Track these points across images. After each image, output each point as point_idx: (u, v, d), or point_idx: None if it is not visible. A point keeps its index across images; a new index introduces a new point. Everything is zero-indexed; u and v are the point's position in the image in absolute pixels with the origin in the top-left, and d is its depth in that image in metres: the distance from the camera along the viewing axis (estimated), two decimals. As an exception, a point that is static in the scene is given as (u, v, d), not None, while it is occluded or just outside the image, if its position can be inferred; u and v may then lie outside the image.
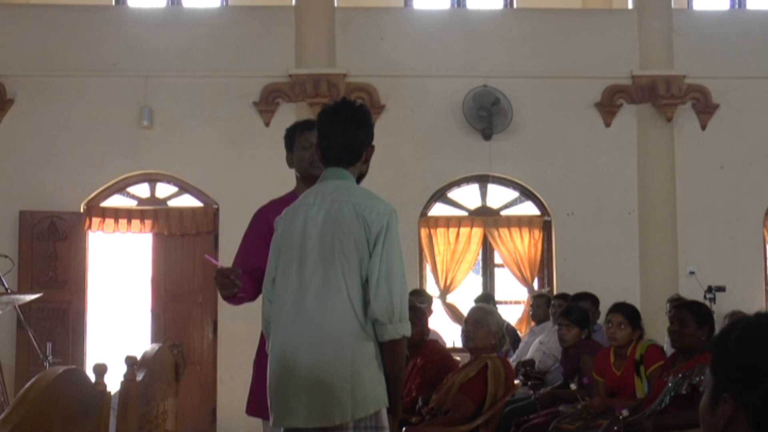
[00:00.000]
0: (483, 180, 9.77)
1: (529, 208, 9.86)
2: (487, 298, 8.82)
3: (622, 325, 5.38)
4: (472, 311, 5.44)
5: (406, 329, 3.00)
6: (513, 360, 7.66)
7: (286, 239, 3.14)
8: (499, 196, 9.91)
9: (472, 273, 9.95)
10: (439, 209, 9.81)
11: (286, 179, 9.59)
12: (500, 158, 9.48)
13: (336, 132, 3.17)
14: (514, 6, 10.82)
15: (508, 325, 8.94)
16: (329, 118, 3.21)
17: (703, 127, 9.69)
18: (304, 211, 3.12)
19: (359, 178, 3.23)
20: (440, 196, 9.77)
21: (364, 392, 2.96)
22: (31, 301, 7.00)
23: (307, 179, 3.81)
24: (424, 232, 9.59)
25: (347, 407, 2.95)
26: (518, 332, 8.97)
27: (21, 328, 8.20)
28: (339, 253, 3.01)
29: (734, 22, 10.21)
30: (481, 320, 5.16)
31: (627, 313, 5.44)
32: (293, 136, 3.91)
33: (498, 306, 8.99)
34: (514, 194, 9.86)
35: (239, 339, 8.46)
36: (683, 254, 9.48)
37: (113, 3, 10.33)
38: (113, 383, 2.18)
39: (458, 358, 6.15)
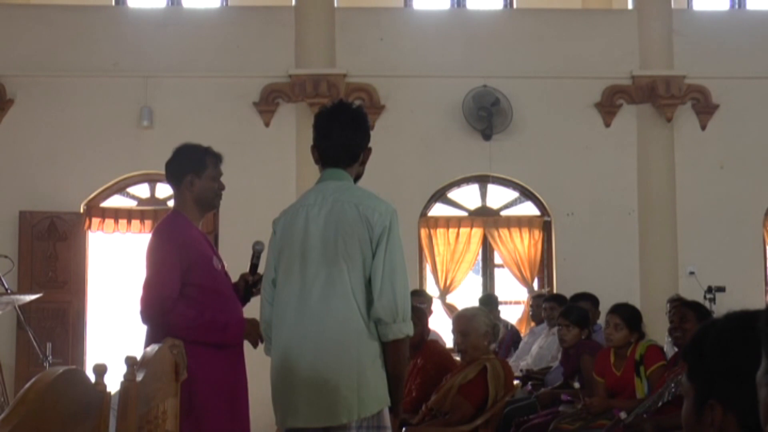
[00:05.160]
0: (483, 180, 9.76)
1: (529, 209, 9.85)
2: (489, 299, 8.78)
3: (618, 326, 5.35)
4: (456, 322, 5.26)
5: (409, 329, 3.01)
6: (513, 360, 7.64)
7: (286, 240, 3.13)
8: (499, 196, 9.90)
9: (472, 273, 9.95)
10: (439, 209, 9.80)
11: (286, 179, 9.63)
12: (500, 158, 9.47)
13: (335, 132, 3.17)
14: (514, 6, 10.81)
15: (512, 326, 8.91)
16: (328, 118, 3.22)
17: (703, 128, 9.68)
18: (305, 211, 3.12)
19: (355, 180, 3.24)
20: (440, 196, 9.76)
21: (369, 391, 2.97)
22: (31, 301, 7.00)
23: (204, 210, 3.70)
24: (424, 232, 9.58)
25: (354, 406, 2.96)
26: (519, 333, 8.93)
27: (21, 328, 8.19)
28: (343, 253, 3.01)
29: (734, 22, 10.21)
30: (467, 329, 5.08)
31: (624, 314, 5.40)
32: (205, 160, 3.70)
33: (499, 306, 8.97)
34: (514, 194, 9.86)
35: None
36: (683, 254, 9.47)
37: (113, 3, 10.32)
38: (113, 383, 2.18)
39: (458, 359, 6.14)
